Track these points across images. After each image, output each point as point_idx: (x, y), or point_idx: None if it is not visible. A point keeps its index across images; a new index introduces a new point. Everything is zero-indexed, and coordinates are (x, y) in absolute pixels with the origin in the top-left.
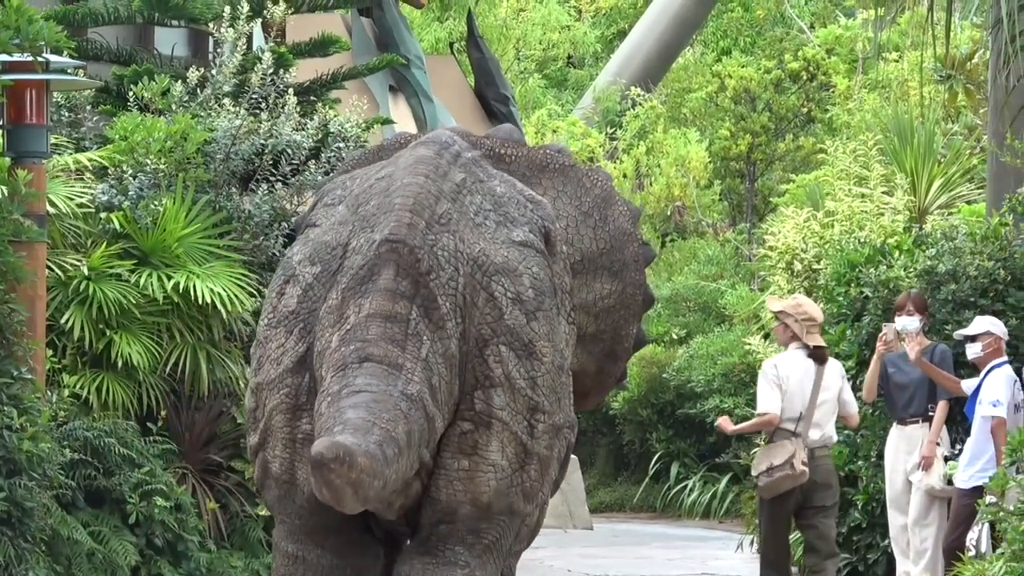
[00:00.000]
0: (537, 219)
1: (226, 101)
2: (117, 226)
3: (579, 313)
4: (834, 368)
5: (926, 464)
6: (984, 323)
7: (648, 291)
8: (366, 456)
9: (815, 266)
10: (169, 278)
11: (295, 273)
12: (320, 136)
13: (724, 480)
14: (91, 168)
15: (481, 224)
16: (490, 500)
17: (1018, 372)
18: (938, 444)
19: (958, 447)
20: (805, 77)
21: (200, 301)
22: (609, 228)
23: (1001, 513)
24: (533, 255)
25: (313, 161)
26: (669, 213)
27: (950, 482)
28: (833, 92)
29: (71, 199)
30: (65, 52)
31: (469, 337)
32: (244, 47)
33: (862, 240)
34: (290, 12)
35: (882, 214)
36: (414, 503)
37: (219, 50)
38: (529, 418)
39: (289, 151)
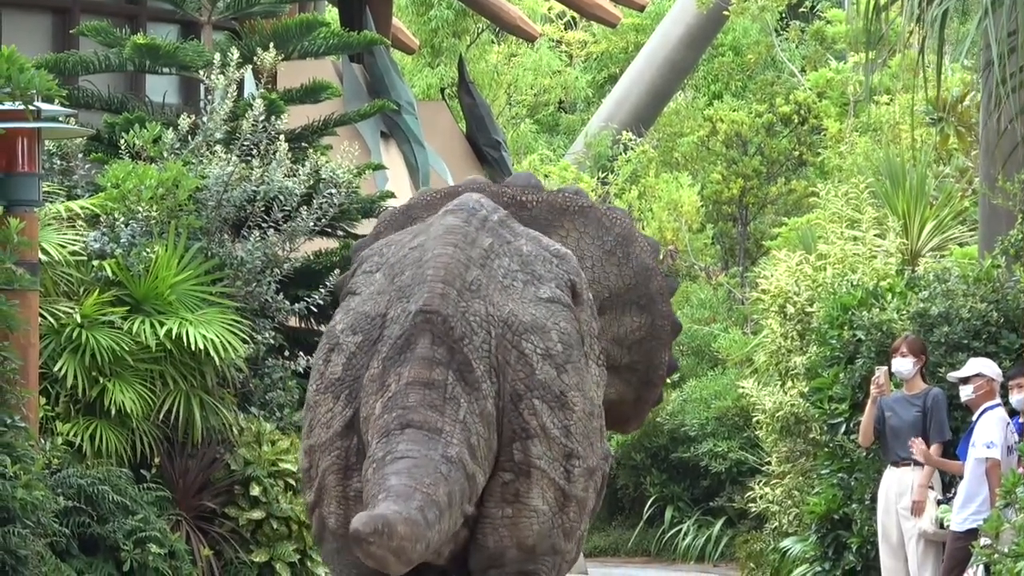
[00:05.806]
0: (563, 274)
1: (217, 148)
2: (109, 273)
3: (613, 346)
4: None
5: (917, 509)
6: (976, 365)
7: (676, 320)
8: (406, 523)
9: (808, 309)
10: (162, 325)
11: (339, 342)
12: (312, 182)
13: (718, 524)
14: (83, 216)
15: (509, 286)
16: (535, 543)
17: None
18: (931, 488)
19: (953, 490)
20: (796, 120)
21: (193, 348)
22: (632, 264)
23: (996, 555)
24: (560, 310)
25: (305, 207)
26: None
27: (942, 525)
28: (824, 135)
29: (63, 247)
30: (56, 100)
31: (504, 394)
32: (235, 94)
33: (855, 283)
34: (281, 59)
35: (874, 257)
36: (462, 548)
37: (210, 97)
38: (565, 464)
39: (281, 197)
